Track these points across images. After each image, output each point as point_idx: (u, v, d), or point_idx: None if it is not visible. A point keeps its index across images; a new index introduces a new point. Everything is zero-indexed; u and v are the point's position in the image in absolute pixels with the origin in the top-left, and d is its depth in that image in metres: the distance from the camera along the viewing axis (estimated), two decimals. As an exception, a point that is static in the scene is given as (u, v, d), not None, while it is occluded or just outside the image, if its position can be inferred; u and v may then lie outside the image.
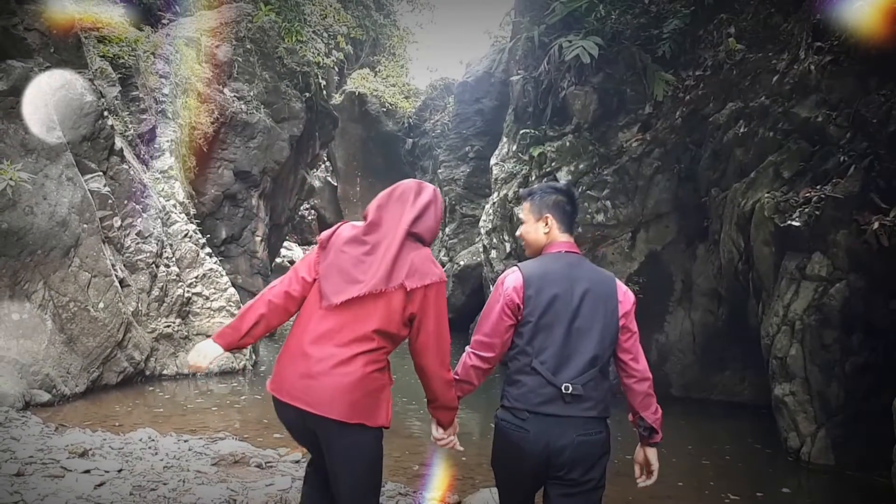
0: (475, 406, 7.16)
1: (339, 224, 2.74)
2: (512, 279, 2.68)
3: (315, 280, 2.61)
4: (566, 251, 2.74)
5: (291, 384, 2.48)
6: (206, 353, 2.62)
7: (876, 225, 5.88)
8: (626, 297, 2.74)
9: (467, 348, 2.75)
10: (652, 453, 2.80)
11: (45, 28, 7.25)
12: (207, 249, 9.48)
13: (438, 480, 5.27)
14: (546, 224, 2.79)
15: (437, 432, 2.82)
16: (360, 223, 2.66)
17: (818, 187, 6.49)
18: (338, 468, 2.51)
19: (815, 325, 6.29)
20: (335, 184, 23.53)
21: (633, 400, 2.75)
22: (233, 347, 2.65)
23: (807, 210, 6.42)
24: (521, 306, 2.62)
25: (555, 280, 2.64)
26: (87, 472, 4.54)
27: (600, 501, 2.69)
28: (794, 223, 6.48)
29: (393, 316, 2.50)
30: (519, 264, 2.78)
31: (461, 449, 2.95)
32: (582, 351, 2.59)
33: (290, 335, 2.60)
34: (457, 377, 2.72)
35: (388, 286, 2.47)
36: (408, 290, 2.49)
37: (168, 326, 8.36)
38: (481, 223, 11.57)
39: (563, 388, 2.55)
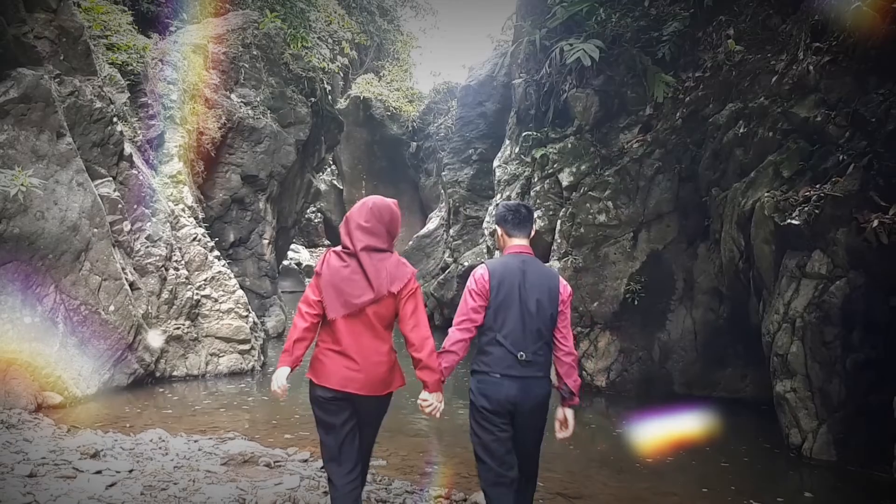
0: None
1: (325, 254, 3.51)
2: (480, 271, 3.55)
3: (319, 278, 3.42)
4: (519, 252, 3.60)
5: (341, 376, 3.34)
6: (283, 377, 3.44)
7: (875, 223, 5.93)
8: (564, 289, 3.58)
9: (451, 329, 3.55)
10: (569, 413, 3.64)
11: (55, 36, 7.37)
12: (216, 252, 9.59)
13: (444, 478, 5.34)
14: (499, 235, 3.72)
15: (423, 394, 3.46)
16: (340, 248, 3.46)
17: (818, 186, 6.54)
18: (373, 421, 3.53)
19: (815, 322, 6.34)
20: (341, 187, 23.65)
21: (560, 368, 3.58)
22: (295, 367, 3.47)
23: (806, 209, 6.47)
24: (489, 292, 3.47)
25: (511, 273, 3.50)
26: (99, 472, 4.63)
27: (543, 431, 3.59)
28: (794, 222, 6.53)
29: (389, 311, 3.40)
30: (486, 261, 3.70)
31: (446, 418, 3.68)
32: (532, 328, 3.44)
33: (320, 341, 3.46)
34: (444, 349, 3.51)
35: (380, 294, 3.33)
36: (395, 293, 3.36)
37: (178, 328, 8.47)
38: (485, 224, 11.65)
39: (518, 355, 3.41)
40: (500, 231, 3.70)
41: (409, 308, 3.37)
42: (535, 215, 9.72)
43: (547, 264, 9.46)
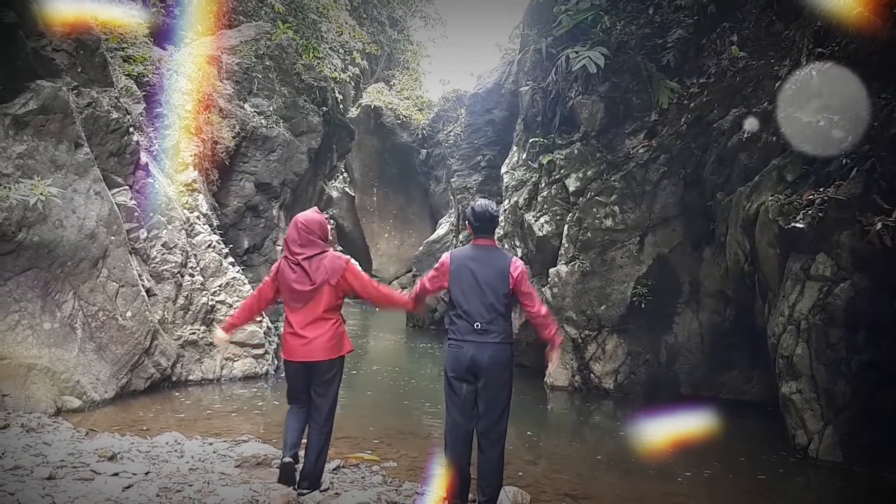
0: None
1: (279, 262, 4.60)
2: (444, 258, 4.56)
3: (275, 280, 4.59)
4: (481, 244, 4.51)
5: (299, 351, 4.50)
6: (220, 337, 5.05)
7: (879, 225, 5.98)
8: (515, 269, 4.40)
9: (420, 278, 4.72)
10: (554, 354, 4.72)
11: (73, 49, 7.56)
12: (230, 259, 9.74)
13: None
14: (468, 229, 4.66)
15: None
16: (287, 255, 4.51)
17: (821, 189, 6.59)
18: (332, 380, 4.59)
19: (820, 324, 6.39)
20: (352, 194, 23.81)
21: (536, 328, 4.58)
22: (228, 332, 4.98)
23: (810, 212, 6.52)
24: (448, 274, 4.43)
25: (469, 260, 4.43)
26: (116, 474, 4.71)
27: (510, 395, 4.42)
28: (798, 225, 6.58)
29: (332, 297, 4.51)
30: (451, 250, 4.67)
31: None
32: (486, 303, 4.33)
33: (285, 326, 4.59)
34: (411, 291, 4.79)
35: (320, 285, 4.44)
36: (333, 283, 4.47)
37: (193, 333, 8.61)
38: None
39: (475, 325, 4.32)
40: (469, 229, 4.62)
41: (356, 284, 4.55)
42: (543, 220, 9.89)
43: (554, 269, 9.59)
